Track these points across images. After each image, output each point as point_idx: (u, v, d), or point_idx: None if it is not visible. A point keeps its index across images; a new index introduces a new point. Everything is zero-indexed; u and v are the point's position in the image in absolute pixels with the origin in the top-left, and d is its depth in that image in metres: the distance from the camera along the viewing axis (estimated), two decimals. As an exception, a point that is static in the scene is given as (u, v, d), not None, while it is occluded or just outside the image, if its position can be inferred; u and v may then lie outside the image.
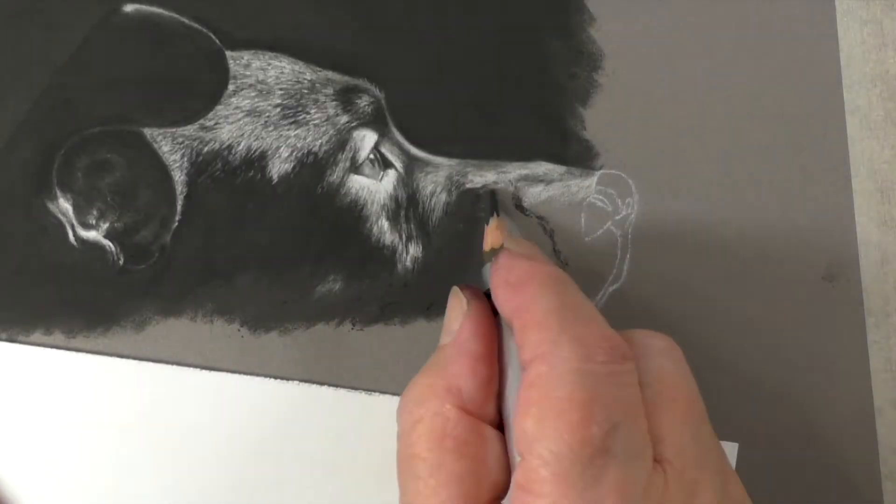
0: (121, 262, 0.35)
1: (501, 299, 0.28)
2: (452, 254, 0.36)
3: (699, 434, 0.27)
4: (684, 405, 0.27)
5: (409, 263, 0.35)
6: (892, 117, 0.37)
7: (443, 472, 0.26)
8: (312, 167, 0.35)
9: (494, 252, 0.30)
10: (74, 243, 0.35)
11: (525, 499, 0.24)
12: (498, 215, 0.34)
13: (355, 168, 0.36)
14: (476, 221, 0.36)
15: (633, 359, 0.27)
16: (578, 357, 0.25)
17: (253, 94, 0.36)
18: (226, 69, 0.36)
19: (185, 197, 0.35)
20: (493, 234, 0.33)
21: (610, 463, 0.24)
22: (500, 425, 0.28)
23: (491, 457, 0.27)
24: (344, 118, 0.36)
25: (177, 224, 0.35)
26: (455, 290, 0.30)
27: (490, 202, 0.35)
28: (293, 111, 0.36)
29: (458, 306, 0.30)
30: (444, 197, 0.36)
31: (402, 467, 0.28)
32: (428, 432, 0.27)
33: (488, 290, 0.30)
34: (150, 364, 0.34)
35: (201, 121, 0.35)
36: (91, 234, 0.35)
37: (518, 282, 0.28)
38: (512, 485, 0.25)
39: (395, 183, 0.36)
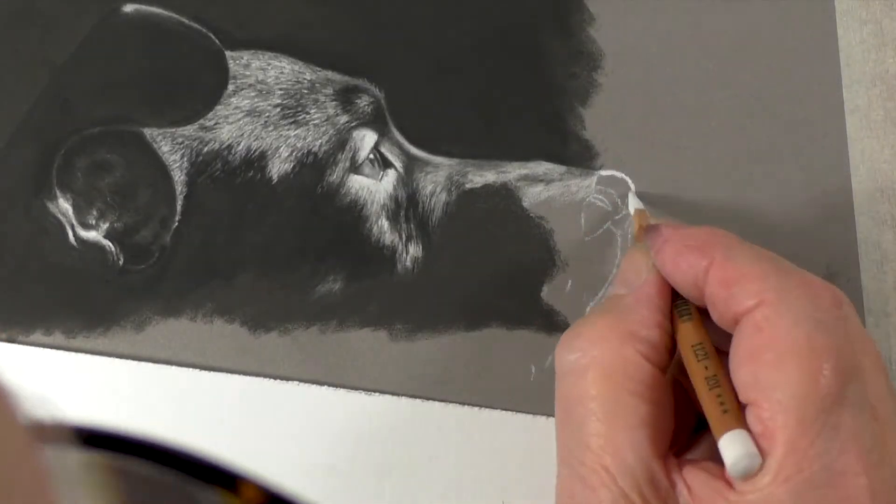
0: (121, 262, 0.35)
1: (685, 264, 0.27)
2: (452, 254, 0.36)
3: (891, 385, 0.27)
4: (877, 355, 0.27)
5: (409, 263, 0.35)
6: (892, 117, 0.37)
7: (624, 415, 0.26)
8: (312, 167, 0.35)
9: (646, 232, 0.30)
10: (74, 243, 0.35)
11: (764, 444, 0.24)
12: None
13: (355, 168, 0.36)
14: (476, 221, 0.36)
15: (848, 305, 0.26)
16: (810, 303, 0.25)
17: (253, 94, 0.36)
18: (226, 69, 0.36)
19: (184, 197, 0.35)
20: (639, 218, 0.33)
21: (846, 412, 0.24)
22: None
23: (668, 406, 0.27)
24: (344, 118, 0.36)
25: (177, 224, 0.35)
26: (639, 245, 0.30)
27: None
28: (293, 111, 0.36)
29: (641, 260, 0.29)
30: (444, 197, 0.36)
31: (570, 407, 0.27)
32: (608, 373, 0.26)
33: None
34: (150, 364, 0.34)
35: (201, 121, 0.35)
36: (91, 234, 0.35)
37: (703, 243, 0.27)
38: (734, 431, 0.24)
39: (395, 183, 0.36)
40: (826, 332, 0.25)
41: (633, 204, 0.35)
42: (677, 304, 0.29)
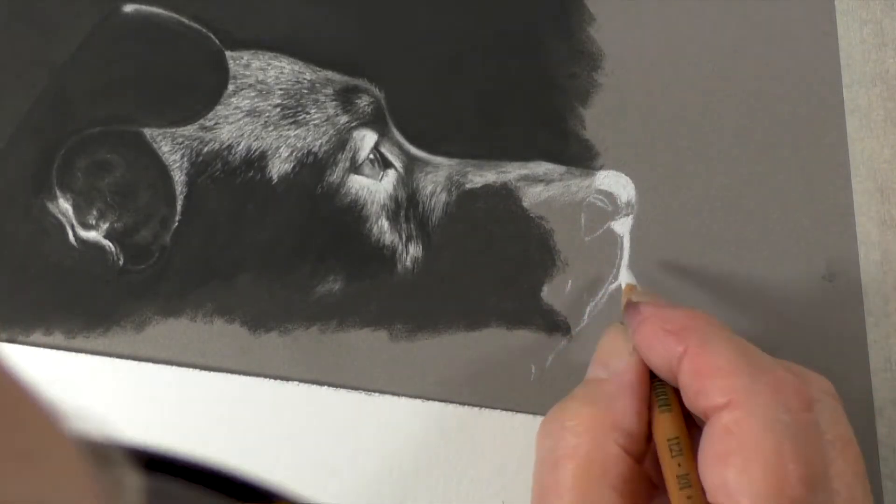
0: (121, 262, 0.35)
1: (660, 347, 0.27)
2: (452, 254, 0.36)
3: (867, 484, 0.27)
4: (855, 454, 0.27)
5: (409, 263, 0.35)
6: (892, 117, 0.37)
7: None
8: (312, 167, 0.35)
9: (626, 309, 0.30)
10: (74, 243, 0.35)
11: None
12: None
13: (355, 168, 0.36)
14: (476, 221, 0.36)
15: (816, 407, 0.26)
16: (778, 405, 0.25)
17: (253, 94, 0.36)
18: (226, 69, 0.36)
19: (184, 197, 0.35)
20: (628, 293, 0.33)
21: None
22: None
23: (642, 496, 0.27)
24: (344, 118, 0.36)
25: (177, 224, 0.35)
26: (617, 324, 0.30)
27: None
28: (293, 111, 0.36)
29: (620, 342, 0.29)
30: (444, 197, 0.36)
31: (545, 494, 0.26)
32: (587, 466, 0.26)
33: None
34: (150, 364, 0.34)
35: (201, 121, 0.35)
36: (91, 235, 0.35)
37: (680, 328, 0.27)
38: None
39: (395, 183, 0.36)
40: (794, 438, 0.25)
41: (625, 277, 0.35)
42: (656, 389, 0.28)
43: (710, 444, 0.25)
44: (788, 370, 0.27)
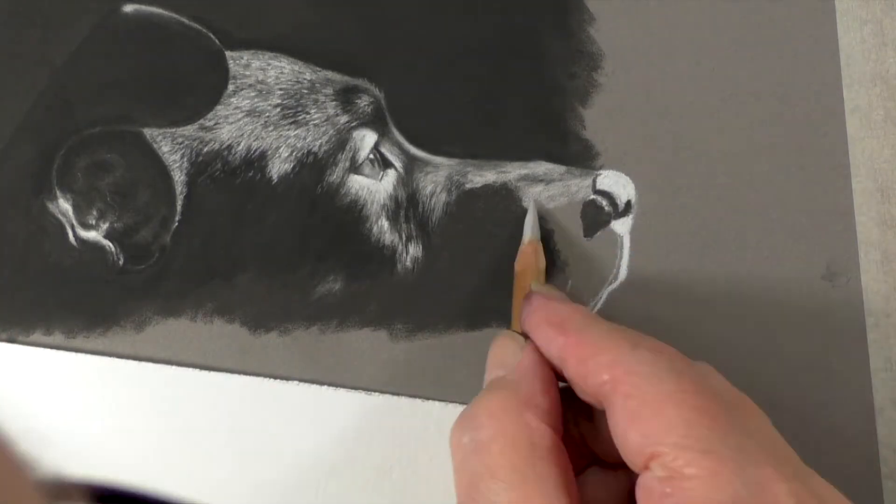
0: (121, 262, 0.35)
1: (544, 337, 0.29)
2: (452, 254, 0.36)
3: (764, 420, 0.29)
4: (753, 407, 0.28)
5: (409, 263, 0.35)
6: (892, 117, 0.37)
7: (537, 482, 0.25)
8: (312, 167, 0.35)
9: (524, 298, 0.31)
10: (74, 243, 0.35)
11: (681, 485, 0.24)
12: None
13: (355, 168, 0.36)
14: (476, 221, 0.36)
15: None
16: (666, 360, 0.26)
17: (253, 94, 0.36)
18: (226, 69, 0.36)
19: (184, 197, 0.35)
20: (525, 257, 0.34)
21: (742, 434, 0.24)
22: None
23: (570, 466, 0.27)
24: (344, 118, 0.36)
25: (177, 224, 0.35)
26: (507, 332, 0.31)
27: (531, 219, 0.35)
28: (293, 111, 0.36)
29: (512, 343, 0.30)
30: (444, 197, 0.36)
31: (475, 484, 0.26)
32: (514, 442, 0.26)
33: None
34: (150, 364, 0.34)
35: (201, 121, 0.35)
36: (91, 235, 0.35)
37: (561, 320, 0.28)
38: (646, 486, 0.25)
39: (395, 183, 0.36)
40: (689, 377, 0.25)
41: (530, 228, 0.35)
42: None
43: (618, 414, 0.25)
44: None
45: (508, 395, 0.27)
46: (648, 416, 0.25)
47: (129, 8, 0.36)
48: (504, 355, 0.30)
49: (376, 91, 0.36)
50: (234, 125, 0.35)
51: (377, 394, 0.35)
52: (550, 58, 0.37)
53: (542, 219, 0.36)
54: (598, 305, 0.36)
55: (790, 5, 0.38)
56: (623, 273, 0.36)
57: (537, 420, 0.27)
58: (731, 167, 0.36)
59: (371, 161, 0.36)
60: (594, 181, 0.36)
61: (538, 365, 0.29)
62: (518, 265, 0.34)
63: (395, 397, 0.35)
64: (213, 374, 0.34)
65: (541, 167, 0.36)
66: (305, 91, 0.36)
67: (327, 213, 0.35)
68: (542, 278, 0.34)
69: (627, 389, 0.25)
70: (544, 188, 0.36)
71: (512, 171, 0.36)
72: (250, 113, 0.36)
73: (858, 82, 0.37)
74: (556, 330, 0.28)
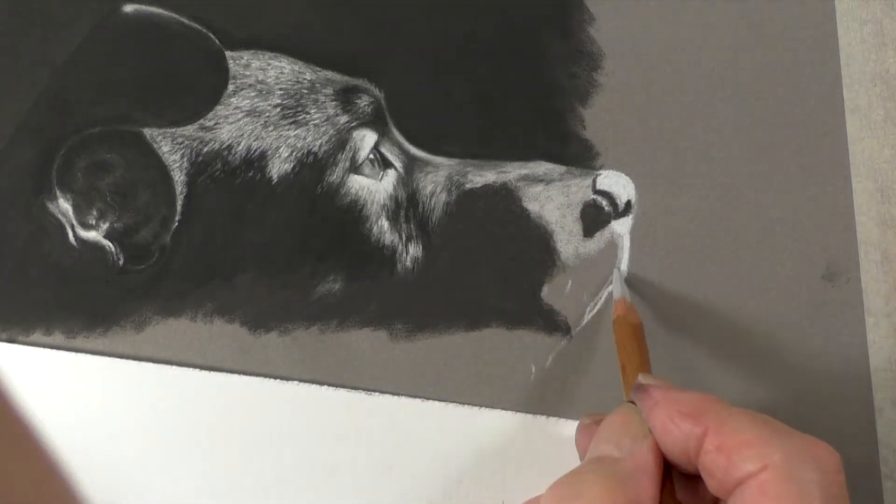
0: (121, 262, 0.35)
1: (677, 431, 0.27)
2: (452, 254, 0.36)
3: None
4: None
5: (409, 263, 0.35)
6: (892, 117, 0.37)
7: None
8: (312, 167, 0.35)
9: (635, 392, 0.30)
10: (74, 243, 0.35)
11: None
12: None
13: (355, 168, 0.36)
14: (476, 221, 0.36)
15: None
16: (816, 468, 0.25)
17: (253, 94, 0.36)
18: (226, 69, 0.36)
19: (184, 197, 0.35)
20: (621, 309, 0.33)
21: None
22: None
23: None
24: (344, 118, 0.36)
25: (177, 224, 0.35)
26: (630, 405, 0.30)
27: (617, 279, 0.35)
28: (293, 111, 0.36)
29: (635, 422, 0.29)
30: (444, 197, 0.36)
31: None
32: None
33: None
34: (150, 364, 0.34)
35: (201, 121, 0.35)
36: (91, 234, 0.35)
37: (696, 410, 0.27)
38: None
39: (395, 183, 0.36)
40: (831, 499, 0.25)
41: (618, 289, 0.35)
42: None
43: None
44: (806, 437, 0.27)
45: (617, 489, 0.27)
46: None
47: (129, 8, 0.36)
48: (623, 434, 0.29)
49: (376, 91, 0.36)
50: (234, 125, 0.35)
51: (377, 394, 0.35)
52: (550, 58, 0.37)
53: (542, 218, 0.36)
54: (598, 305, 0.36)
55: (790, 5, 0.38)
56: (623, 273, 0.36)
57: None
58: (731, 167, 0.36)
59: (371, 161, 0.36)
60: (594, 181, 0.36)
61: (657, 465, 0.28)
62: (615, 313, 0.33)
63: (395, 397, 0.35)
64: (213, 374, 0.34)
65: (541, 167, 0.36)
66: (305, 91, 0.36)
67: (327, 213, 0.35)
68: (643, 341, 0.33)
69: (766, 485, 0.25)
70: (544, 188, 0.36)
71: (512, 171, 0.36)
72: (250, 113, 0.36)
73: (858, 82, 0.37)
74: (691, 421, 0.27)
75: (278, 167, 0.35)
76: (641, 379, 0.30)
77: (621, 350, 0.32)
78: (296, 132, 0.36)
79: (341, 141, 0.36)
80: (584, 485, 0.27)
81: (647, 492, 0.27)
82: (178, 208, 0.35)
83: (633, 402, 0.29)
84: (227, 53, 0.36)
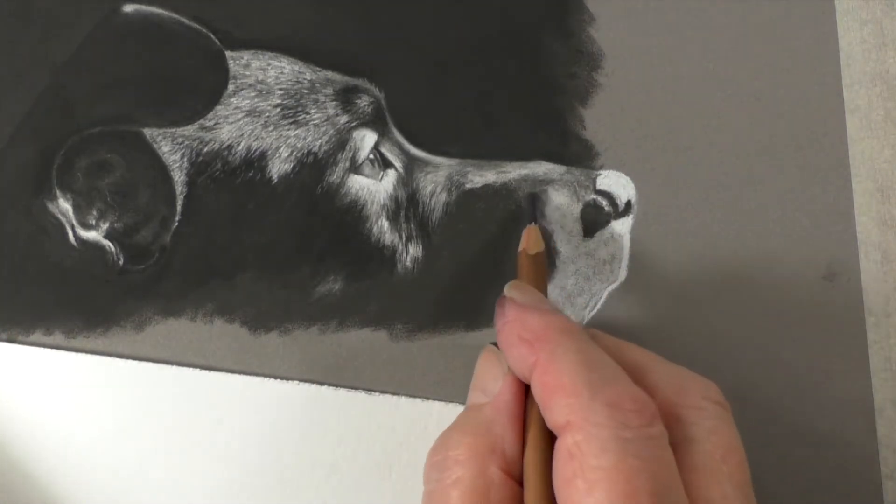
0: (121, 262, 0.35)
1: (516, 355, 0.28)
2: (452, 254, 0.36)
3: (750, 493, 0.27)
4: (737, 469, 0.26)
5: (409, 263, 0.35)
6: (892, 117, 0.37)
7: None
8: (312, 167, 0.35)
9: (497, 304, 0.30)
10: (74, 243, 0.35)
11: None
12: (536, 222, 0.34)
13: (355, 168, 0.36)
14: (476, 221, 0.36)
15: (660, 418, 0.26)
16: (616, 424, 0.25)
17: (253, 94, 0.36)
18: (226, 69, 0.36)
19: (185, 197, 0.35)
20: (531, 241, 0.33)
21: None
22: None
23: None
24: (344, 118, 0.36)
25: (177, 224, 0.35)
26: (492, 347, 0.30)
27: (530, 205, 0.35)
28: (293, 111, 0.36)
29: (495, 365, 0.29)
30: (444, 197, 0.36)
31: None
32: (469, 493, 0.26)
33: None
34: (150, 364, 0.34)
35: (201, 121, 0.35)
36: (91, 235, 0.35)
37: (534, 337, 0.27)
38: None
39: (395, 183, 0.36)
40: (636, 454, 0.24)
41: (533, 217, 0.34)
42: (529, 407, 0.28)
43: (558, 468, 0.25)
44: (634, 386, 0.26)
45: (479, 439, 0.27)
46: (580, 487, 0.24)
47: (129, 8, 0.36)
48: (486, 377, 0.29)
49: (376, 91, 0.36)
50: (234, 125, 0.35)
51: (377, 394, 0.35)
52: (550, 58, 0.37)
53: (543, 220, 0.36)
54: (598, 305, 0.36)
55: (790, 5, 0.38)
56: (623, 273, 0.36)
57: (500, 472, 0.26)
58: (731, 167, 0.36)
59: (371, 161, 0.36)
60: (594, 181, 0.36)
61: (515, 401, 0.28)
62: (522, 244, 0.33)
63: (395, 397, 0.35)
64: (213, 374, 0.34)
65: (541, 167, 0.36)
66: (305, 91, 0.36)
67: (327, 213, 0.35)
68: (543, 272, 0.32)
69: (571, 448, 0.25)
70: (544, 188, 0.36)
71: (512, 171, 0.36)
72: (250, 113, 0.36)
73: (858, 82, 0.37)
74: (527, 348, 0.27)
75: (278, 167, 0.35)
76: (507, 290, 0.30)
77: (522, 279, 0.32)
78: (296, 132, 0.36)
79: (341, 141, 0.36)
80: (451, 442, 0.27)
81: (505, 434, 0.27)
82: (178, 208, 0.35)
83: (495, 344, 0.29)
84: (227, 53, 0.36)
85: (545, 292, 0.32)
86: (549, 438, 0.27)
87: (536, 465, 0.27)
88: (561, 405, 0.25)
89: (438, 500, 0.27)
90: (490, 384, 0.29)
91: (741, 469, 0.27)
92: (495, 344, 0.30)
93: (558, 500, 0.25)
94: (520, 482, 0.27)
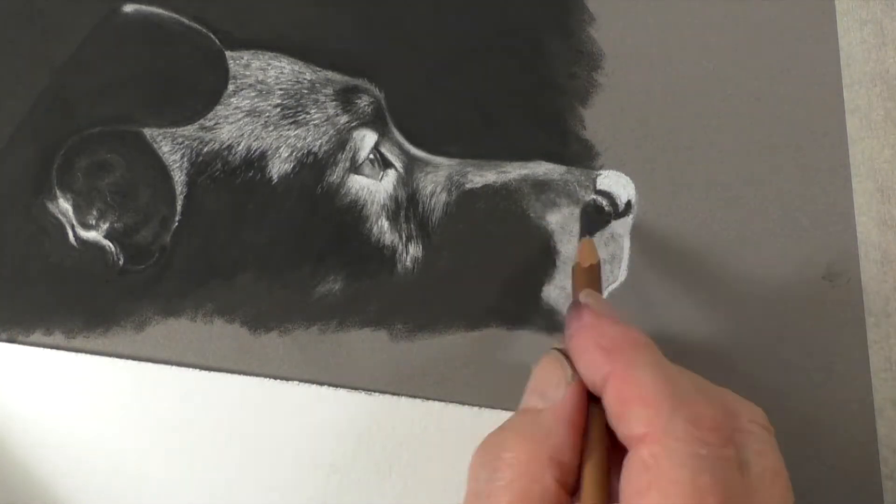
0: (121, 262, 0.35)
1: (590, 362, 0.27)
2: (452, 254, 0.36)
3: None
4: (786, 493, 0.26)
5: (409, 263, 0.35)
6: (892, 117, 0.37)
7: None
8: (312, 167, 0.35)
9: (568, 309, 0.29)
10: (74, 243, 0.35)
11: None
12: (592, 234, 0.34)
13: (355, 168, 0.36)
14: (476, 221, 0.36)
15: (733, 440, 0.26)
16: (695, 440, 0.25)
17: (253, 94, 0.36)
18: (226, 69, 0.36)
19: (185, 197, 0.35)
20: (584, 254, 0.32)
21: None
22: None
23: None
24: (344, 118, 0.36)
25: (177, 224, 0.35)
26: (555, 353, 0.29)
27: (585, 218, 0.35)
28: (293, 111, 0.36)
29: (558, 371, 0.28)
30: (444, 197, 0.36)
31: None
32: (521, 498, 0.25)
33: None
34: (150, 364, 0.34)
35: (201, 121, 0.35)
36: (91, 235, 0.35)
37: (612, 346, 0.27)
38: None
39: (395, 183, 0.36)
40: (711, 472, 0.24)
41: (587, 231, 0.34)
42: (592, 416, 0.28)
43: (629, 479, 0.25)
44: (714, 401, 0.26)
45: (536, 445, 0.26)
46: (653, 499, 0.24)
47: (129, 8, 0.36)
48: (547, 384, 0.28)
49: (376, 91, 0.36)
50: (234, 125, 0.35)
51: (377, 394, 0.35)
52: (550, 58, 0.37)
53: (542, 218, 0.36)
54: (598, 305, 0.36)
55: (790, 5, 0.38)
56: (623, 273, 0.36)
57: (554, 482, 0.26)
58: (731, 167, 0.36)
59: (371, 161, 0.36)
60: (594, 181, 0.36)
61: (577, 413, 0.27)
62: (576, 258, 0.32)
63: (395, 397, 0.35)
64: (213, 374, 0.34)
65: (541, 167, 0.36)
66: (305, 91, 0.36)
67: (327, 213, 0.35)
68: (598, 283, 0.32)
69: (647, 460, 0.25)
70: (544, 188, 0.36)
71: (512, 171, 0.36)
72: (250, 113, 0.36)
73: (858, 82, 0.37)
74: (603, 356, 0.27)
75: (278, 167, 0.35)
76: (582, 297, 0.29)
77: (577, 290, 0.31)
78: (296, 132, 0.36)
79: (341, 141, 0.36)
80: (505, 444, 0.27)
81: (564, 445, 0.26)
82: (178, 208, 0.35)
83: (558, 350, 0.29)
84: (227, 53, 0.36)
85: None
86: (608, 452, 0.26)
87: (595, 477, 0.26)
88: (639, 416, 0.25)
89: (486, 502, 0.26)
90: (551, 390, 0.28)
91: (788, 493, 0.26)
92: (558, 350, 0.29)
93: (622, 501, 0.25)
94: (571, 493, 0.26)
